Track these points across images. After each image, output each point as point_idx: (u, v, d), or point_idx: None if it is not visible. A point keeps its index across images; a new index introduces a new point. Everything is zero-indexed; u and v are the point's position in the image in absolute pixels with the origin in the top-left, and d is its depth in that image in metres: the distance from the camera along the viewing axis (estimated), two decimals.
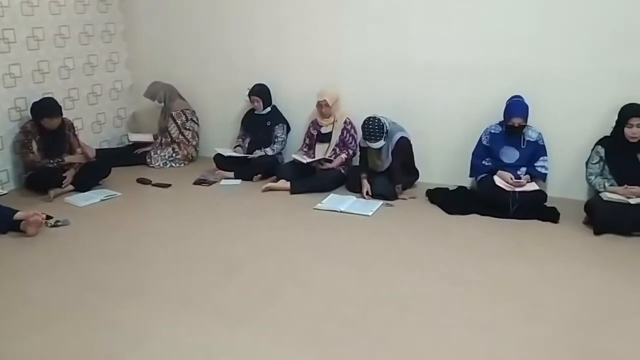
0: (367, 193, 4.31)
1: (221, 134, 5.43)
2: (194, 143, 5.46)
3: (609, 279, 3.04)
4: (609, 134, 3.87)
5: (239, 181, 4.80)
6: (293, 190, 4.47)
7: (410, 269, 3.18)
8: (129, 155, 5.34)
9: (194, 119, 5.45)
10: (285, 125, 5.01)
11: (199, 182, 4.79)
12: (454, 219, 3.95)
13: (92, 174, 4.64)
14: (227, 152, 5.00)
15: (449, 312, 2.73)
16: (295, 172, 4.60)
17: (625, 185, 3.71)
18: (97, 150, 5.12)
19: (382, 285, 3.00)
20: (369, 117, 4.27)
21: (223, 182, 4.80)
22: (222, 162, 4.95)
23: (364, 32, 4.69)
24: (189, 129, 5.39)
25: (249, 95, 5.00)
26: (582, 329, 2.57)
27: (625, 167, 3.76)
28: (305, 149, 4.88)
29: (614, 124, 3.82)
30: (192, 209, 4.19)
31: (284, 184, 4.52)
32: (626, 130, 3.70)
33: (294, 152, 4.82)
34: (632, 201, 3.63)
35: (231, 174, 4.86)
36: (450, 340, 2.49)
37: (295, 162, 4.66)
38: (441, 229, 3.77)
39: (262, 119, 5.01)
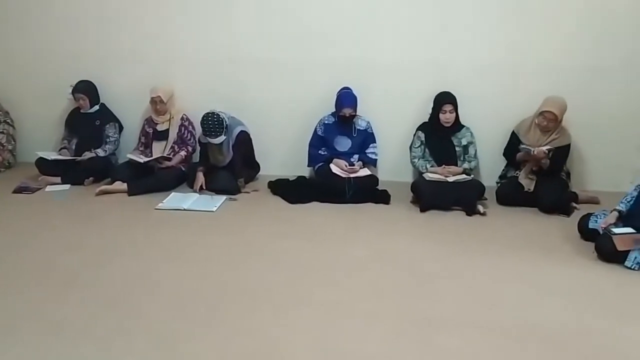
0: (201, 187, 4.27)
1: (43, 137, 4.95)
2: (10, 147, 4.91)
3: (434, 249, 3.39)
4: (427, 120, 4.29)
5: (67, 186, 4.43)
6: (131, 192, 4.25)
7: (258, 260, 3.23)
8: None
9: (8, 120, 4.91)
10: (116, 124, 4.73)
11: (19, 191, 4.32)
12: (296, 208, 4.08)
13: None
14: (52, 155, 4.58)
15: (298, 297, 2.82)
16: (132, 173, 4.38)
17: (444, 166, 4.16)
18: None
19: (232, 278, 3.00)
20: (208, 113, 4.22)
21: (49, 188, 4.39)
22: (46, 166, 4.52)
23: (197, 26, 4.61)
24: (2, 132, 4.83)
25: (73, 93, 4.63)
26: (414, 296, 2.84)
27: (443, 149, 4.21)
28: (141, 148, 4.66)
29: (430, 110, 4.25)
30: (14, 220, 3.77)
31: (120, 185, 4.28)
32: (441, 115, 4.14)
33: (129, 152, 4.58)
34: (450, 179, 4.07)
35: (58, 179, 4.47)
36: (303, 324, 2.59)
37: (131, 162, 4.43)
38: (284, 219, 3.87)
39: (89, 118, 4.68)
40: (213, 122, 4.19)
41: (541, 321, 2.63)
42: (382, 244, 3.47)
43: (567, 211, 3.91)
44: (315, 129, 4.44)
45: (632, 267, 3.09)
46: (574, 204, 4.00)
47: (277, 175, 4.63)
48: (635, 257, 3.09)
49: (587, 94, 4.22)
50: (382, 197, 4.18)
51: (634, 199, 3.31)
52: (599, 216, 3.40)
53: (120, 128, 4.76)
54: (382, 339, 2.47)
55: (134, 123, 4.78)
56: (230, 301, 2.77)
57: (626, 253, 3.10)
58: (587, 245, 3.36)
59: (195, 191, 4.28)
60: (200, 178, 4.31)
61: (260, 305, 2.73)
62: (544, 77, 4.23)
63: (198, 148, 4.56)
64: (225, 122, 4.26)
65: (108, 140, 4.68)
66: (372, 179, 4.28)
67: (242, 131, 4.42)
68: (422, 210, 3.98)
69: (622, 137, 4.27)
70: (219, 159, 4.42)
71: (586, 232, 3.42)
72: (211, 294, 2.84)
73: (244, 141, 4.45)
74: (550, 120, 3.94)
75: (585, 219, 3.47)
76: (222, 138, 4.25)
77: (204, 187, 4.29)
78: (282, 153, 4.77)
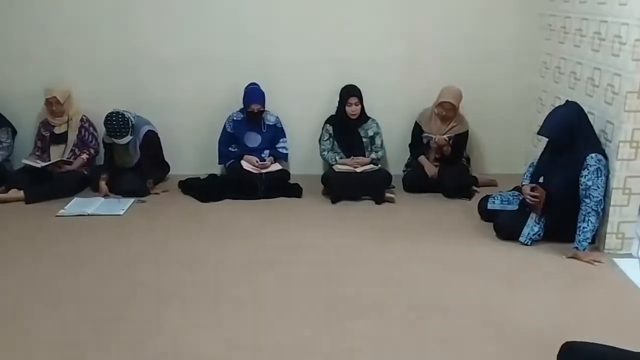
0: (106, 196, 4.12)
1: None
2: None
3: (346, 238, 3.47)
4: (334, 113, 4.37)
5: None
6: (28, 199, 4.00)
7: (169, 261, 3.17)
8: None
9: None
10: (9, 129, 4.42)
11: None
12: (208, 207, 4.03)
13: None
14: None
15: (210, 295, 2.80)
16: (29, 179, 4.12)
17: (352, 157, 4.26)
18: None
19: (141, 281, 2.92)
20: (112, 113, 4.06)
21: None
22: None
23: (93, 24, 4.40)
24: None
25: None
26: (326, 285, 2.90)
27: (350, 140, 4.31)
28: (37, 153, 4.39)
29: (337, 104, 4.33)
30: None
31: (16, 193, 4.02)
32: (347, 108, 4.23)
33: (25, 157, 4.31)
34: (359, 170, 4.18)
35: None
36: (215, 322, 2.57)
37: (27, 168, 4.17)
38: (196, 218, 3.81)
39: None
40: (118, 122, 4.04)
41: (446, 298, 2.78)
42: (295, 237, 3.50)
43: (468, 194, 4.13)
44: (224, 126, 4.39)
45: (526, 243, 3.33)
46: (475, 188, 4.23)
47: (188, 174, 4.53)
48: (528, 233, 3.33)
49: (480, 83, 4.46)
50: (294, 191, 4.22)
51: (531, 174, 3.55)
52: (496, 197, 3.63)
53: (14, 132, 4.46)
54: (294, 329, 2.51)
55: (28, 127, 4.50)
56: (140, 304, 2.70)
57: (520, 230, 3.33)
58: (486, 225, 3.56)
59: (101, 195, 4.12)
60: (104, 188, 4.14)
61: (171, 306, 2.68)
62: (441, 67, 4.42)
63: (102, 150, 4.37)
64: (131, 121, 4.12)
65: (0, 146, 4.37)
66: (284, 174, 4.31)
67: (149, 130, 4.29)
68: (333, 201, 4.06)
69: (513, 122, 4.55)
70: (126, 160, 4.27)
71: (485, 213, 3.64)
72: (119, 299, 2.75)
73: (151, 141, 4.32)
74: (448, 109, 4.14)
75: (484, 200, 3.69)
76: (128, 138, 4.11)
77: (109, 195, 4.13)
78: (191, 152, 4.68)
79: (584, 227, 3.13)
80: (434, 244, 3.38)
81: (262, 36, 4.45)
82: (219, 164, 4.46)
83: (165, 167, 4.57)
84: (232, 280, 2.95)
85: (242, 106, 4.34)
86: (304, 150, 4.63)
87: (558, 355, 2.12)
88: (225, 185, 4.27)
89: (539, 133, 3.33)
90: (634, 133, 3.08)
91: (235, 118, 4.37)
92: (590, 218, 3.12)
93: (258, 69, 4.45)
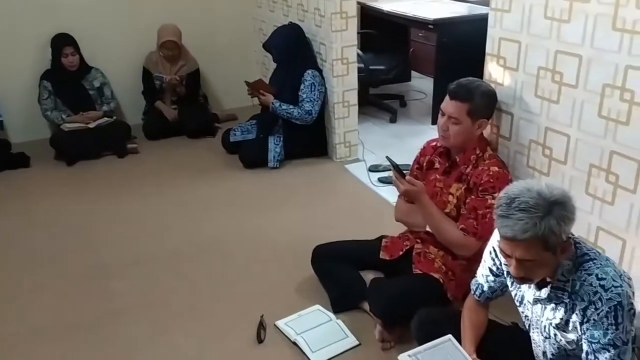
0: None
1: None
2: None
3: (91, 200, 3.24)
4: (50, 67, 3.89)
5: None
6: None
7: None
8: None
9: None
10: None
11: None
12: None
13: None
14: None
15: None
16: None
17: (81, 113, 3.90)
18: None
19: None
20: None
21: None
22: None
23: None
24: None
25: None
26: (82, 252, 2.72)
27: (75, 95, 3.92)
28: None
29: (50, 56, 3.86)
30: None
31: None
32: (63, 60, 3.80)
33: None
34: (91, 125, 3.86)
35: None
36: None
37: None
38: None
39: None
40: None
41: (206, 235, 2.84)
42: (30, 212, 3.15)
43: (211, 132, 4.16)
44: None
45: (275, 166, 3.53)
46: (216, 124, 4.28)
47: None
48: (274, 157, 3.53)
49: (204, 21, 4.41)
50: (19, 161, 3.72)
51: None
52: (236, 129, 3.75)
53: None
54: (54, 306, 2.35)
55: None
56: None
57: (263, 156, 3.51)
58: (233, 158, 3.66)
59: None
60: None
61: None
62: (163, 7, 4.22)
63: None
64: None
65: None
66: (2, 144, 3.75)
67: None
68: (69, 164, 3.71)
69: (242, 55, 4.64)
70: None
71: (229, 146, 3.74)
72: None
73: None
74: (172, 48, 4.02)
75: (226, 134, 3.77)
76: None
77: None
78: None
79: (287, 108, 3.45)
80: (186, 187, 3.37)
81: None
82: None
83: None
84: None
85: None
86: (22, 113, 4.07)
87: (311, 259, 2.36)
88: None
89: (263, 45, 3.60)
90: (344, 51, 3.43)
91: None
92: (294, 112, 3.44)
93: None
